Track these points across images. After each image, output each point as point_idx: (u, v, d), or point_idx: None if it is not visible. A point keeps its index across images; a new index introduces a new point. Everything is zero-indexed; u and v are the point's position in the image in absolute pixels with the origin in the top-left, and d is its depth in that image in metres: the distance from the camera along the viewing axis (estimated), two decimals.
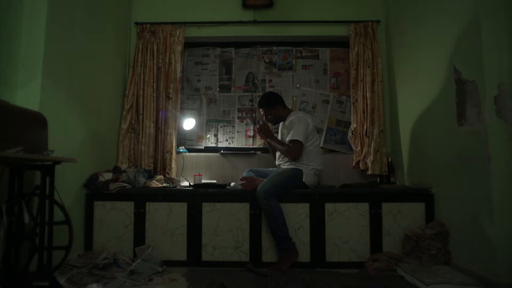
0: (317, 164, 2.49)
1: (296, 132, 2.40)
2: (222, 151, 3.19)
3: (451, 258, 2.13)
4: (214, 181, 2.91)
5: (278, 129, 2.81)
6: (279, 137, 2.68)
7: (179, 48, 3.16)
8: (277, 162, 2.67)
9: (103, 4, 2.72)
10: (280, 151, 2.54)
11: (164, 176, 2.91)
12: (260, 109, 2.67)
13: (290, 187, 2.37)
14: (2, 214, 1.55)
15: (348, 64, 3.24)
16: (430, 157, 2.42)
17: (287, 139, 2.44)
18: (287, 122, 2.54)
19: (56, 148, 1.84)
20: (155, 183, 2.55)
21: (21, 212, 1.63)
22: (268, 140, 2.60)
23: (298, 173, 2.40)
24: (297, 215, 2.35)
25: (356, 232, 2.35)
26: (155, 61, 3.11)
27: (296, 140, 2.39)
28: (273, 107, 2.59)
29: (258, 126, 2.60)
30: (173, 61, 3.14)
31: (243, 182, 2.39)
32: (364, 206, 2.36)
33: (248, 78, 3.37)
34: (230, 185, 2.64)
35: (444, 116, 2.22)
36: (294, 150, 2.40)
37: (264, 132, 2.57)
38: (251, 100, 3.34)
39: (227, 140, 3.31)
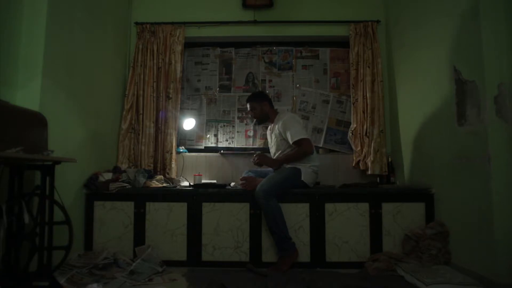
0: (315, 161, 2.49)
1: (296, 131, 2.39)
2: (222, 151, 3.19)
3: (451, 258, 2.13)
4: (214, 181, 2.91)
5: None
6: (269, 141, 2.72)
7: (179, 48, 3.16)
8: None
9: (103, 4, 2.72)
10: (296, 159, 2.42)
11: (164, 176, 2.91)
12: (248, 104, 2.66)
13: (289, 186, 2.37)
14: (2, 214, 1.55)
15: (348, 64, 3.24)
16: (430, 157, 2.42)
17: (291, 141, 2.40)
18: (277, 125, 2.51)
19: (56, 148, 1.84)
20: (155, 183, 2.55)
21: (21, 212, 1.63)
22: (274, 165, 2.52)
23: (296, 172, 2.40)
24: (297, 215, 2.35)
25: (356, 232, 2.35)
26: (155, 61, 3.11)
27: (302, 139, 2.37)
28: (260, 102, 2.61)
29: (256, 159, 2.45)
30: (173, 61, 3.14)
31: (243, 182, 2.39)
32: (364, 206, 2.36)
33: (248, 78, 3.37)
34: (230, 185, 2.64)
35: (444, 116, 2.22)
36: (306, 148, 2.39)
37: (265, 161, 2.48)
38: None
39: (227, 140, 3.30)
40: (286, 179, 2.36)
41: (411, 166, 2.74)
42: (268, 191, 2.23)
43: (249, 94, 3.31)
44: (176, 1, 3.29)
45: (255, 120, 2.72)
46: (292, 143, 2.39)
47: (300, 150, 2.39)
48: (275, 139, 2.57)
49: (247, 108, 2.69)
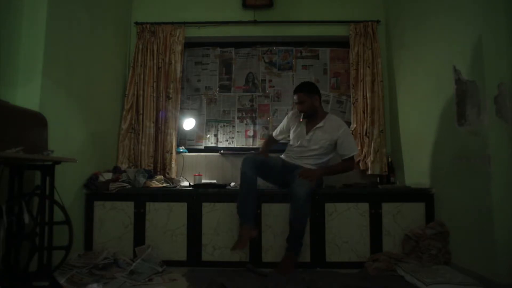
0: None
1: (354, 145, 2.44)
2: (222, 151, 3.19)
3: (451, 258, 2.13)
4: (214, 181, 2.91)
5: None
6: (311, 136, 2.42)
7: (179, 48, 3.16)
8: (298, 159, 2.47)
9: (103, 4, 2.72)
10: (340, 173, 2.45)
11: (164, 176, 2.91)
12: (296, 95, 2.42)
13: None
14: (2, 214, 1.55)
15: (348, 64, 3.24)
16: (430, 157, 2.42)
17: (347, 153, 2.38)
18: (333, 128, 2.39)
19: (56, 148, 1.84)
20: (155, 183, 2.55)
21: (21, 212, 1.63)
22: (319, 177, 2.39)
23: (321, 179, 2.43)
24: None
25: (356, 232, 2.34)
26: (155, 61, 3.11)
27: (354, 155, 2.44)
28: (312, 96, 2.40)
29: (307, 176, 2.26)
30: (173, 61, 3.14)
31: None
32: (364, 206, 2.36)
33: (248, 78, 3.37)
34: (230, 185, 2.64)
35: (444, 116, 2.22)
36: (353, 165, 2.48)
37: (316, 173, 2.34)
38: (251, 100, 3.34)
39: (227, 140, 3.30)
40: (317, 181, 2.34)
41: (411, 166, 2.74)
42: (309, 194, 2.16)
43: (249, 94, 3.34)
44: (176, 1, 3.29)
45: (302, 114, 2.43)
46: (347, 157, 2.39)
47: (350, 165, 2.44)
48: (322, 141, 2.40)
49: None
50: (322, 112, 2.52)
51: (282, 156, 2.59)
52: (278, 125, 2.74)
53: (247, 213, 2.20)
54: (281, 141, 2.78)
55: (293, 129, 2.56)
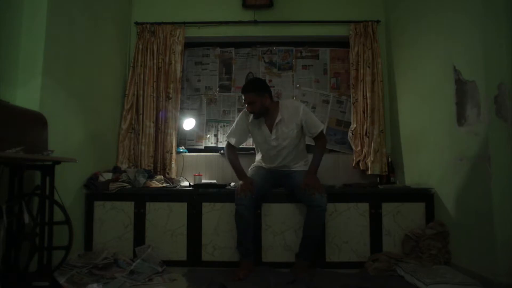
0: None
1: (317, 120, 2.30)
2: (222, 151, 3.19)
3: (451, 258, 2.13)
4: (214, 181, 2.91)
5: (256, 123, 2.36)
6: (276, 134, 2.27)
7: (179, 48, 3.16)
8: (283, 162, 2.35)
9: (103, 4, 2.72)
10: (323, 153, 2.31)
11: (164, 176, 2.90)
12: (243, 96, 2.26)
13: None
14: (2, 214, 1.55)
15: (348, 64, 3.24)
16: (430, 157, 2.42)
17: (315, 131, 2.26)
18: (289, 116, 2.26)
19: (56, 148, 1.84)
20: (155, 183, 2.55)
21: (21, 212, 1.63)
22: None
23: None
24: (296, 215, 2.35)
25: (356, 232, 2.34)
26: (155, 61, 3.11)
27: (322, 130, 2.30)
28: (262, 95, 2.23)
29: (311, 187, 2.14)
30: (173, 61, 3.14)
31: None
32: (364, 206, 2.36)
33: (248, 78, 3.36)
34: (230, 185, 2.64)
35: (444, 116, 2.22)
36: (325, 136, 2.39)
37: (315, 177, 2.24)
38: None
39: (227, 140, 3.30)
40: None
41: (411, 166, 2.74)
42: (326, 203, 2.14)
43: None
44: (176, 1, 3.29)
45: (252, 114, 2.29)
46: (317, 134, 2.27)
47: (324, 141, 2.33)
48: (290, 132, 2.26)
49: (242, 99, 2.31)
50: (274, 104, 2.31)
51: (262, 164, 2.44)
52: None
53: (244, 251, 2.17)
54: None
55: (254, 134, 2.39)
